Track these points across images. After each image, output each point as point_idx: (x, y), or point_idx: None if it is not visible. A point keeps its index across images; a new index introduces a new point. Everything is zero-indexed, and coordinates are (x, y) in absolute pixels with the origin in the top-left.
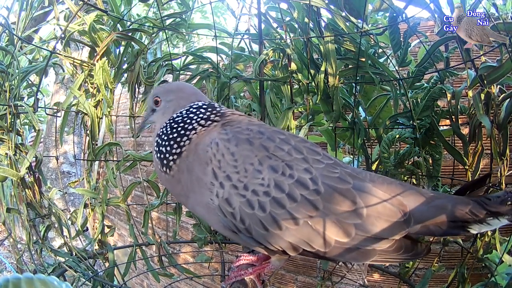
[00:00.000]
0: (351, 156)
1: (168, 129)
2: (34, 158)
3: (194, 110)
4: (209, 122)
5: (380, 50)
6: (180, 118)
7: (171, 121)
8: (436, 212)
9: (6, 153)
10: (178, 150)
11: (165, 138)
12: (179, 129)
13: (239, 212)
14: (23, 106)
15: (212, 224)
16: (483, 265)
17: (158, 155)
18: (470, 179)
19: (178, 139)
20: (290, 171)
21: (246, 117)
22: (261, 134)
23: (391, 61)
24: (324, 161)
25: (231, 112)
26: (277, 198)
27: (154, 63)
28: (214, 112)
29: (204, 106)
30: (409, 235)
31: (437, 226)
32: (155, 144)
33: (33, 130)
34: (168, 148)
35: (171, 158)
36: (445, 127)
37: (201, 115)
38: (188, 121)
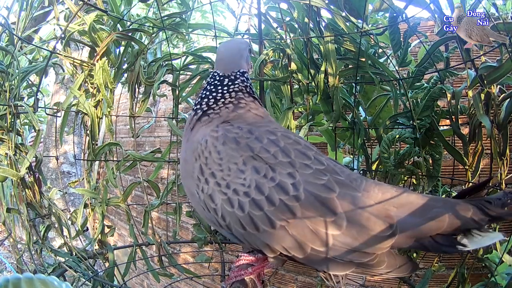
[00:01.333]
0: (351, 156)
1: (205, 92)
2: (34, 158)
3: (239, 80)
4: (220, 105)
5: (380, 50)
6: (212, 88)
7: (206, 86)
8: (432, 225)
9: (6, 153)
10: (203, 110)
11: (205, 94)
12: (211, 97)
13: (220, 209)
14: (23, 106)
15: (198, 212)
16: (483, 265)
17: (196, 107)
18: (470, 179)
19: (211, 102)
20: (272, 173)
21: (254, 112)
22: (250, 133)
23: (391, 61)
24: (314, 166)
25: (245, 103)
26: (256, 200)
27: (154, 63)
28: (235, 95)
29: (230, 79)
30: (401, 249)
31: (432, 240)
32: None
33: (33, 130)
34: (204, 103)
35: (200, 112)
36: (445, 127)
37: (219, 92)
38: (222, 97)
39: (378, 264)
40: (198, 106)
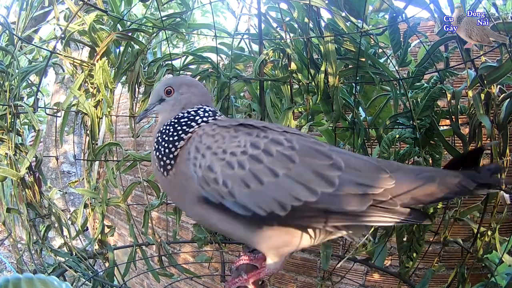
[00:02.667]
0: None
1: (171, 129)
2: (34, 158)
3: (201, 114)
4: (195, 127)
5: (380, 50)
6: (186, 119)
7: (177, 120)
8: (424, 182)
9: (6, 153)
10: (176, 153)
11: (166, 138)
12: (180, 132)
13: (221, 175)
14: (23, 106)
15: (208, 219)
16: (483, 265)
17: (157, 154)
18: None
19: (176, 143)
20: (264, 133)
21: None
22: (239, 124)
23: (391, 61)
24: (301, 136)
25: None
26: (254, 155)
27: (154, 63)
28: (212, 116)
29: (210, 113)
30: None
31: (426, 196)
32: (155, 141)
33: (33, 130)
34: (167, 151)
35: (168, 161)
36: (445, 127)
37: (204, 119)
38: (193, 124)
39: (394, 204)
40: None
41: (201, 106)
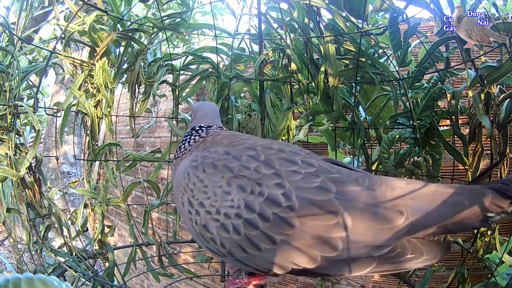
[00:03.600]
0: (351, 156)
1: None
2: (34, 159)
3: (189, 132)
4: (193, 143)
5: (381, 51)
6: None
7: (190, 131)
8: (449, 213)
9: (6, 153)
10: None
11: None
12: (180, 144)
13: (217, 237)
14: (23, 106)
15: (202, 245)
16: (484, 265)
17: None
18: (470, 179)
19: (177, 150)
20: (259, 188)
21: (224, 133)
22: (226, 154)
23: (391, 61)
24: (302, 170)
25: (213, 132)
26: (248, 219)
27: (154, 63)
28: (200, 133)
29: (197, 128)
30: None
31: (453, 225)
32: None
33: (33, 131)
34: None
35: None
36: (445, 127)
37: (190, 137)
38: (184, 139)
39: (401, 255)
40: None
41: (195, 126)
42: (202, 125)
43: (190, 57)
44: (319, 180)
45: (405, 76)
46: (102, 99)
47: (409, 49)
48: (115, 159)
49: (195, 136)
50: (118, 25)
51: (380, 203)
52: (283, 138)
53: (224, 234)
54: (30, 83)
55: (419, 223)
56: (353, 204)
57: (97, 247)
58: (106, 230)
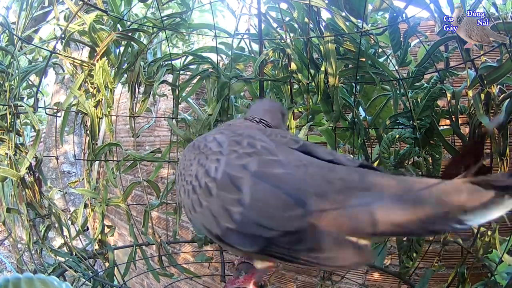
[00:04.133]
0: (352, 156)
1: None
2: (34, 158)
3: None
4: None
5: (380, 50)
6: None
7: None
8: (409, 210)
9: (6, 153)
10: None
11: None
12: None
13: (182, 199)
14: (23, 106)
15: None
16: (483, 264)
17: None
18: None
19: None
20: (205, 162)
21: (245, 126)
22: (203, 138)
23: (391, 61)
24: (242, 150)
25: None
26: (194, 186)
27: (154, 63)
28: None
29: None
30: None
31: (415, 224)
32: None
33: (33, 130)
34: None
35: None
36: (445, 127)
37: None
38: None
39: (294, 242)
40: None
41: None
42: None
43: (190, 57)
44: (248, 159)
45: (405, 76)
46: (102, 99)
47: (409, 49)
48: (115, 159)
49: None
50: (118, 25)
51: (289, 187)
52: None
53: (184, 197)
54: (30, 83)
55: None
56: (258, 187)
57: (97, 247)
58: (106, 230)
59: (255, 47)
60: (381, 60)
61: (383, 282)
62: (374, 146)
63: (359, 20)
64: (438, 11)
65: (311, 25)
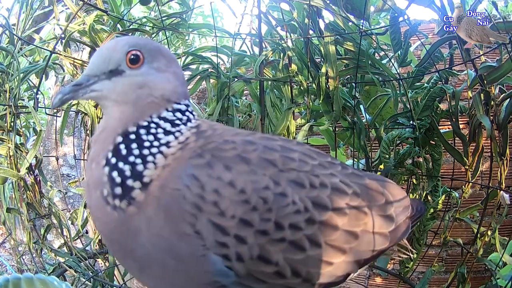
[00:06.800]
0: (355, 159)
1: (154, 130)
2: (34, 159)
3: (186, 117)
4: (182, 140)
5: (382, 53)
6: (176, 121)
7: (162, 121)
8: None
9: (6, 153)
10: (151, 177)
11: (142, 152)
12: (163, 142)
13: (286, 265)
14: (23, 107)
15: None
16: (485, 267)
17: (114, 172)
18: (470, 179)
19: (156, 161)
20: (319, 180)
21: (221, 125)
22: (250, 144)
23: (393, 64)
24: (335, 161)
25: (202, 121)
26: (324, 221)
27: None
28: (195, 126)
29: (190, 111)
30: None
31: None
32: (112, 149)
33: (34, 134)
34: (139, 168)
35: (136, 186)
36: (446, 128)
37: (184, 130)
38: (178, 133)
39: None
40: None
41: (187, 103)
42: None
43: (190, 57)
44: (350, 170)
45: (405, 76)
46: None
47: (412, 51)
48: None
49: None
50: (118, 25)
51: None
52: None
53: (296, 255)
54: (31, 84)
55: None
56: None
57: (97, 247)
58: None
59: (257, 50)
60: (384, 62)
61: (385, 287)
62: (375, 147)
63: (361, 20)
64: (441, 10)
65: (311, 25)
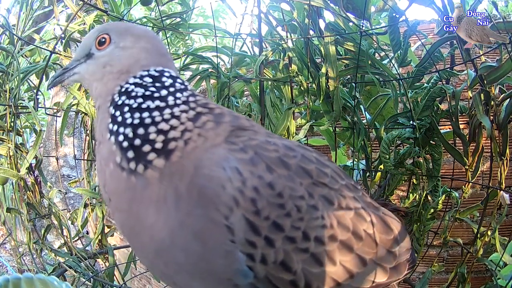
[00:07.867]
0: (355, 159)
1: (141, 93)
2: (34, 159)
3: (170, 82)
4: (195, 114)
5: (383, 53)
6: (153, 85)
7: (138, 83)
8: None
9: (6, 153)
10: (164, 141)
11: (141, 107)
12: (161, 103)
13: (302, 276)
14: (23, 108)
15: None
16: (486, 268)
17: (122, 134)
18: (470, 179)
19: (164, 121)
20: (345, 201)
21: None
22: (290, 149)
23: (393, 65)
24: (357, 186)
25: (210, 101)
26: (344, 241)
27: None
28: (195, 99)
29: (180, 82)
30: None
31: None
32: (109, 122)
33: (34, 134)
34: (152, 129)
35: (150, 148)
36: (446, 128)
37: (179, 96)
38: (170, 97)
39: None
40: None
41: (164, 68)
42: (182, 80)
43: (190, 57)
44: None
45: (405, 76)
46: None
47: (413, 51)
48: None
49: (183, 96)
50: None
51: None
52: None
53: (315, 268)
54: (31, 84)
55: None
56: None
57: (97, 247)
58: (106, 230)
59: (257, 50)
60: (384, 62)
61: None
62: (374, 148)
63: (363, 21)
64: (441, 9)
65: (311, 25)
